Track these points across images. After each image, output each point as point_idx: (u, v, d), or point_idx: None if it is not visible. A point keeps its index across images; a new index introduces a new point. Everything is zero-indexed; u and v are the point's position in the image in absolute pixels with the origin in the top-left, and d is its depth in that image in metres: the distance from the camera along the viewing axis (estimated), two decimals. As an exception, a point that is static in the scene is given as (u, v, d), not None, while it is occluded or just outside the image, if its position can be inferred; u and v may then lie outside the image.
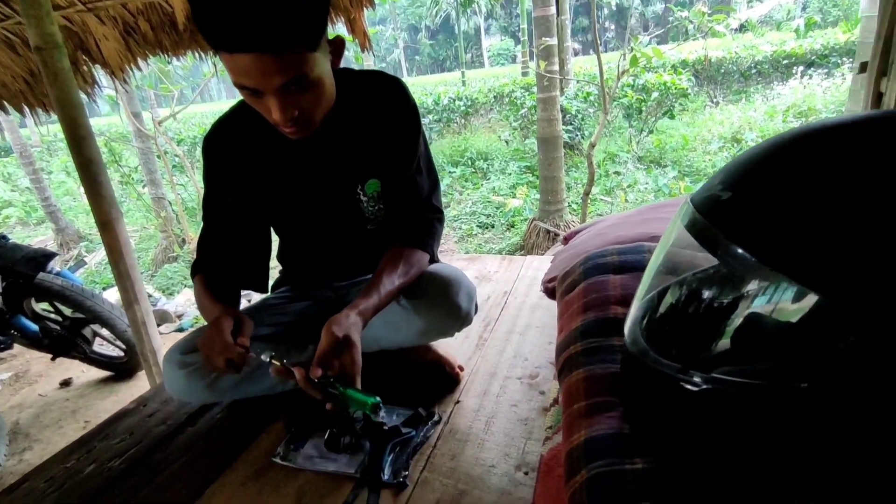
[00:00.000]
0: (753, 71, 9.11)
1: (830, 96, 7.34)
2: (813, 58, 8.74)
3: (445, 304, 1.08)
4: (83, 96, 2.33)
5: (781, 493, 0.50)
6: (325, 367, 0.84)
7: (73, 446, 1.19)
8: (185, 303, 4.27)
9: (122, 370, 2.75)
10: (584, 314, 0.89)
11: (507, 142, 8.31)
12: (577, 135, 7.18)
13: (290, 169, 1.04)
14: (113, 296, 3.50)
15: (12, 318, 2.35)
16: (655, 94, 6.40)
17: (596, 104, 7.20)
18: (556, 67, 4.82)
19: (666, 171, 6.10)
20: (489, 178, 7.41)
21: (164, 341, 2.03)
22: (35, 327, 2.42)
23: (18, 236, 7.68)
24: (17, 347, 2.58)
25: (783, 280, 0.43)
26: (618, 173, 6.52)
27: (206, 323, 1.07)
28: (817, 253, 0.41)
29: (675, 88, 6.32)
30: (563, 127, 5.46)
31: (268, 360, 0.88)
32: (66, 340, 2.49)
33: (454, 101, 9.73)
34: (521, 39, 14.79)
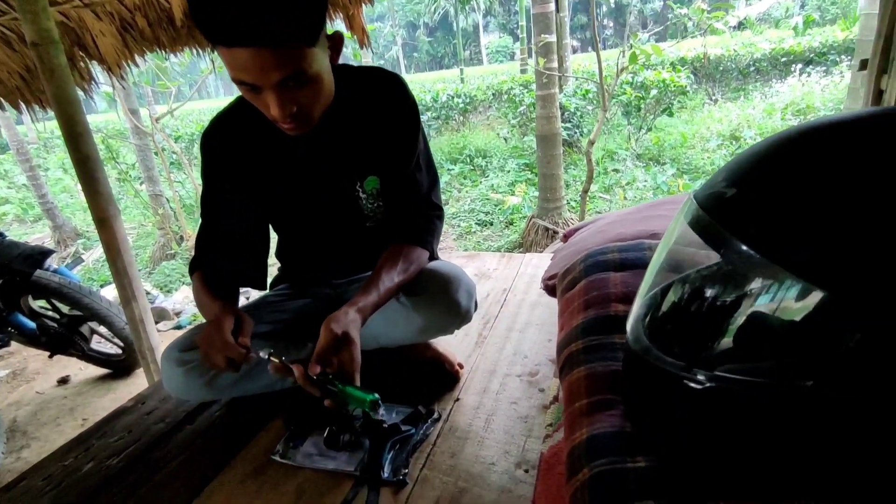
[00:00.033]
0: (752, 69, 9.11)
1: (829, 94, 7.34)
2: (811, 56, 8.74)
3: (445, 301, 1.07)
4: (80, 93, 2.31)
5: (785, 492, 0.50)
6: (323, 365, 0.84)
7: (71, 444, 1.18)
8: (183, 300, 4.26)
9: (119, 368, 2.74)
10: (585, 312, 0.88)
11: (505, 139, 8.30)
12: (575, 132, 7.17)
13: (289, 165, 1.04)
14: (111, 293, 3.50)
15: (9, 315, 2.34)
16: (654, 92, 6.40)
17: (595, 102, 7.19)
18: (556, 64, 4.81)
19: (665, 169, 6.10)
20: (488, 176, 7.40)
21: (162, 339, 2.02)
22: (32, 325, 2.41)
23: (15, 233, 7.66)
24: (14, 345, 2.58)
25: (788, 277, 0.42)
26: (616, 171, 6.52)
27: (204, 320, 1.06)
28: (823, 250, 0.41)
29: (674, 86, 6.31)
30: (562, 124, 5.44)
31: (267, 357, 0.88)
32: (63, 338, 2.48)
33: (453, 98, 9.70)
34: (520, 36, 14.79)
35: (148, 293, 4.11)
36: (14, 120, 6.78)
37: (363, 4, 2.22)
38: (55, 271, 2.40)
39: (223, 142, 1.03)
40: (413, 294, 1.09)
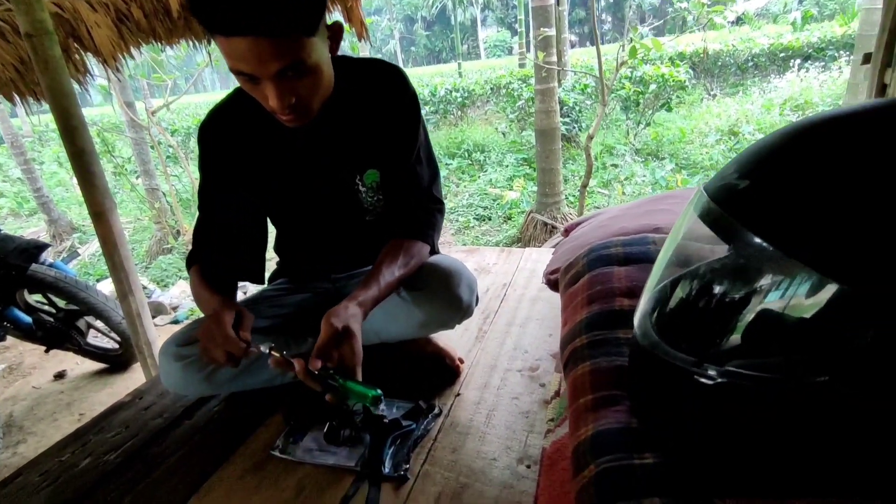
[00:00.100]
0: (750, 64, 9.10)
1: (827, 89, 7.34)
2: (810, 51, 8.73)
3: (446, 295, 1.06)
4: (75, 85, 2.29)
5: (793, 489, 0.49)
6: (324, 359, 0.83)
7: (67, 439, 1.17)
8: (179, 295, 4.24)
9: (116, 362, 2.73)
10: (589, 306, 0.88)
11: (504, 134, 8.28)
12: (574, 127, 7.16)
13: (288, 157, 1.02)
14: (107, 287, 3.47)
15: (5, 309, 2.32)
16: (653, 87, 6.39)
17: (593, 96, 7.18)
18: (555, 59, 4.79)
19: (663, 164, 6.09)
20: (486, 171, 7.38)
21: (159, 333, 2.01)
22: (28, 319, 2.40)
23: (10, 227, 7.61)
24: (10, 339, 2.56)
25: (804, 270, 0.41)
26: (615, 166, 6.51)
27: (202, 315, 1.05)
28: (842, 243, 0.40)
29: (673, 81, 6.31)
30: (561, 119, 5.43)
31: (267, 351, 0.87)
32: (59, 332, 2.46)
33: (451, 92, 9.67)
34: (519, 31, 14.73)
35: (145, 287, 4.10)
36: (8, 113, 6.72)
37: (362, -4, 2.20)
38: (51, 265, 2.38)
39: (221, 134, 1.02)
40: (414, 288, 1.08)
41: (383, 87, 1.00)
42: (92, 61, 2.50)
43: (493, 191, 6.36)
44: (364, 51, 7.26)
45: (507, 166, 7.24)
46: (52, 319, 2.45)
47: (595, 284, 0.93)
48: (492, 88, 10.15)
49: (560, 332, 0.95)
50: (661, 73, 6.28)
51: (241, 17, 0.72)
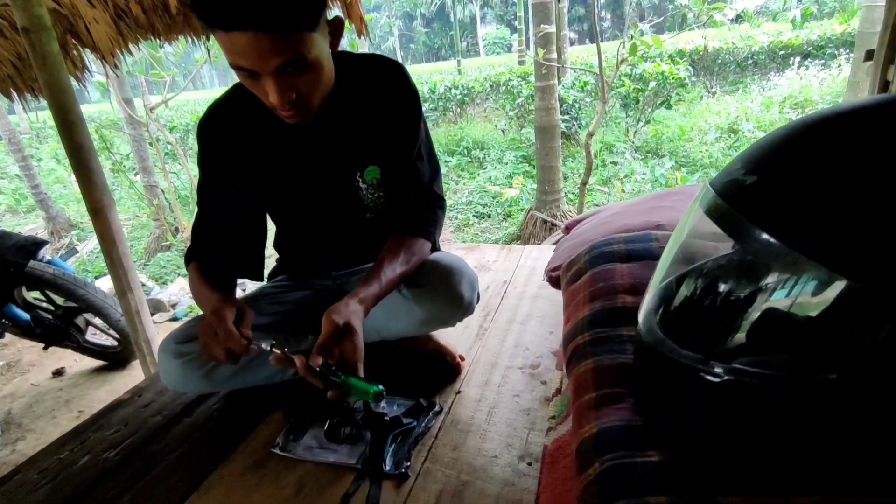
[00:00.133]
0: (750, 61, 9.09)
1: (827, 87, 7.34)
2: (809, 49, 8.73)
3: (447, 293, 1.06)
4: (73, 82, 2.28)
5: (798, 487, 0.49)
6: (326, 355, 0.82)
7: (66, 437, 1.17)
8: (178, 292, 4.23)
9: (115, 360, 2.72)
10: (591, 303, 0.87)
11: (503, 131, 8.27)
12: (573, 124, 7.15)
13: (288, 153, 1.02)
14: (105, 284, 3.46)
15: (3, 306, 2.31)
16: (653, 84, 6.38)
17: (593, 94, 7.16)
18: (555, 55, 4.78)
19: (663, 162, 6.09)
20: (485, 168, 7.37)
21: (158, 331, 2.00)
22: (26, 316, 2.39)
23: (8, 224, 7.59)
24: (8, 337, 2.55)
25: (812, 266, 0.41)
26: (615, 163, 6.50)
27: (200, 312, 1.05)
28: (852, 238, 0.39)
29: (673, 78, 6.29)
30: (560, 116, 5.42)
31: (268, 348, 0.86)
32: (58, 329, 2.45)
33: (450, 89, 9.65)
34: (518, 28, 14.70)
35: (143, 285, 4.08)
36: (6, 109, 6.69)
37: (361, -8, 2.19)
38: (49, 262, 2.37)
39: (220, 129, 1.01)
40: (415, 286, 1.08)
41: (384, 84, 0.99)
42: (90, 57, 2.49)
43: (493, 188, 6.35)
44: (363, 48, 7.24)
45: (506, 164, 7.23)
46: (50, 317, 2.44)
47: (597, 281, 0.92)
48: (491, 86, 10.13)
49: (562, 329, 0.94)
50: (660, 71, 6.27)
51: (241, 12, 0.71)
